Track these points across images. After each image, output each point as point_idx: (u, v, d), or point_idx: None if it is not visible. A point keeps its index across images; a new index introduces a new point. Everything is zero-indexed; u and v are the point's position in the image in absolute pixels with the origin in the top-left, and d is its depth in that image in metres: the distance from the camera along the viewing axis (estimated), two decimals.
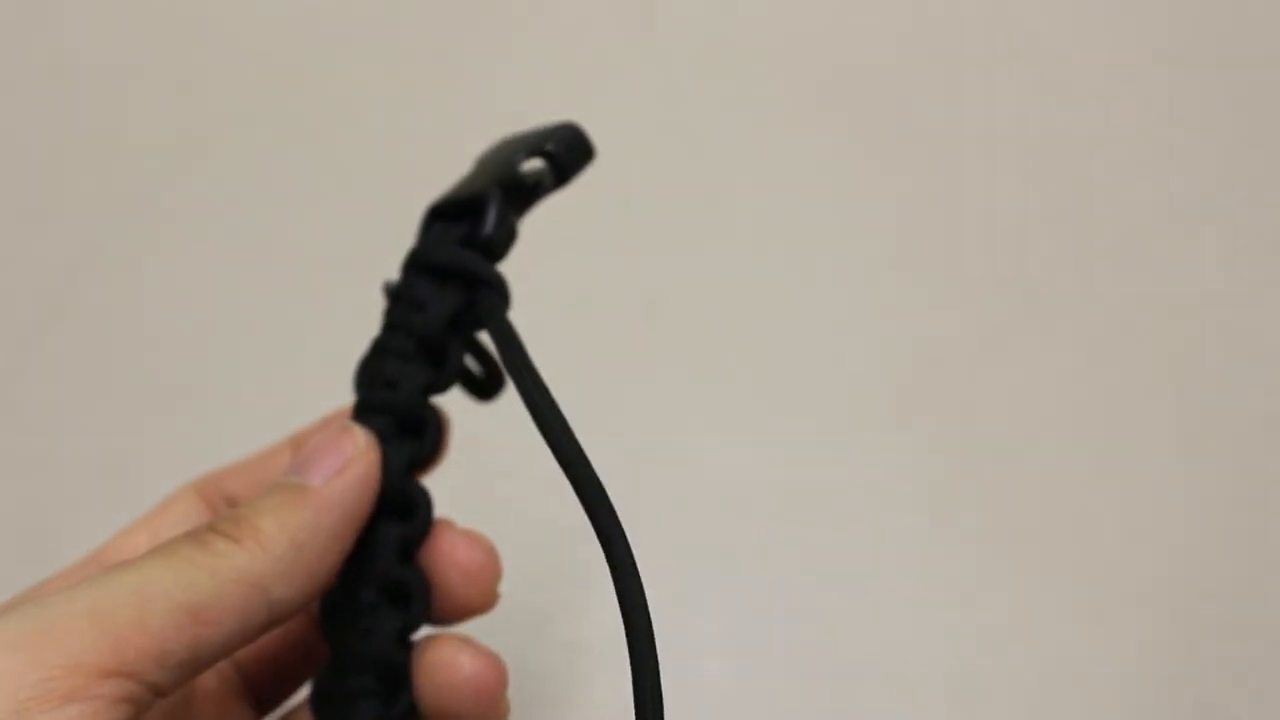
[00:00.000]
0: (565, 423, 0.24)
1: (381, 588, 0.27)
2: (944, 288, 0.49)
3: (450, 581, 0.27)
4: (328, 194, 0.52)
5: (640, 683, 0.22)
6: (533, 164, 0.29)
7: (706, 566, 0.43)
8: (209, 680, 0.28)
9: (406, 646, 0.27)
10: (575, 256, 0.49)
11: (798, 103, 0.53)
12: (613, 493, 0.23)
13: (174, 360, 0.48)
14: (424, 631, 0.27)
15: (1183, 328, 0.47)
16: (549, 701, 0.41)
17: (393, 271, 0.28)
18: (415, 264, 0.28)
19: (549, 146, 0.29)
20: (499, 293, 0.28)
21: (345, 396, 0.28)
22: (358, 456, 0.25)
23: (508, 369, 0.25)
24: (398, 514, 0.27)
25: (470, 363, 0.30)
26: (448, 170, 0.31)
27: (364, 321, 0.30)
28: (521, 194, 0.29)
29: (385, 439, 0.27)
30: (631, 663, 0.22)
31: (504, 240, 0.28)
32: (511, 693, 0.27)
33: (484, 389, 0.30)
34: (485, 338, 0.29)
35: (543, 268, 0.48)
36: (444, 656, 0.26)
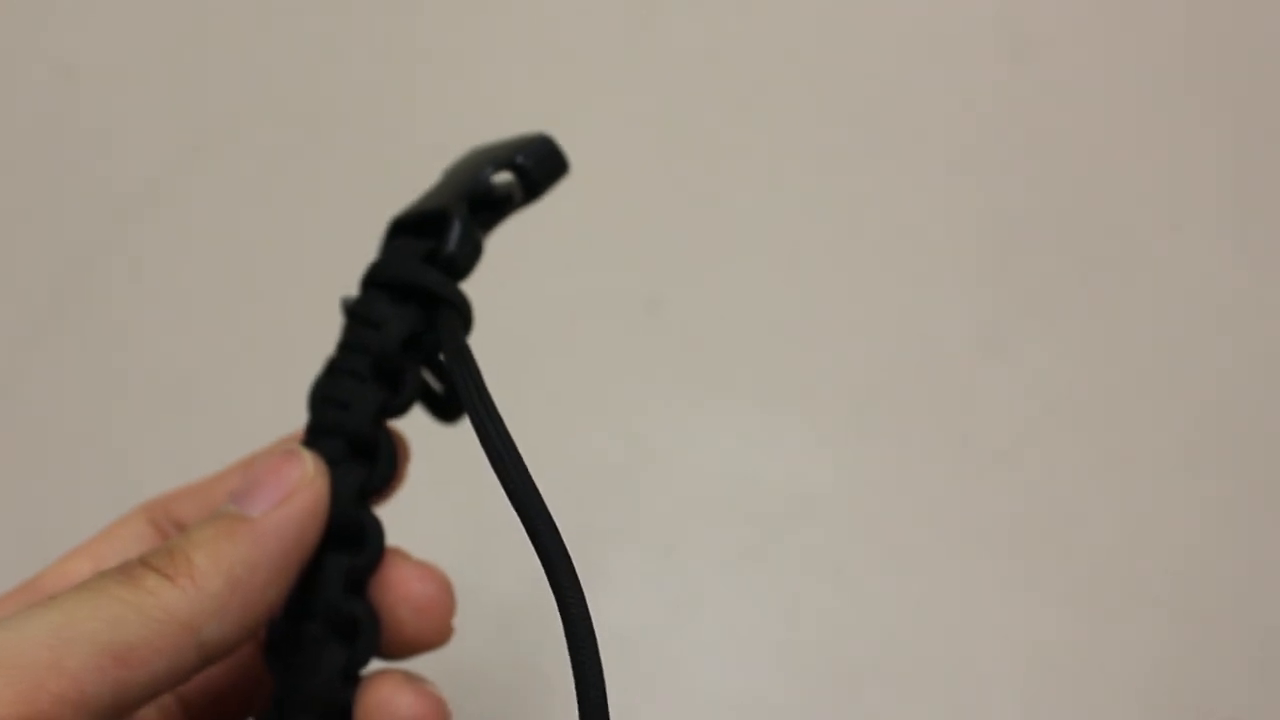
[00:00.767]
0: (516, 452, 0.23)
1: (327, 621, 0.25)
2: (944, 288, 0.48)
3: (400, 616, 0.26)
4: (330, 195, 0.51)
5: None
6: (502, 177, 0.28)
7: (706, 566, 0.43)
8: (149, 714, 0.27)
9: (352, 683, 0.26)
10: (575, 257, 0.49)
11: (798, 103, 0.53)
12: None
13: (174, 361, 0.48)
14: (374, 665, 0.26)
15: (1182, 328, 0.47)
16: None
17: None
18: (374, 280, 0.27)
19: (519, 159, 0.28)
20: (460, 313, 0.26)
21: None
22: (303, 485, 0.24)
23: (460, 394, 0.24)
24: (347, 544, 0.25)
25: (434, 382, 0.28)
26: None
27: None
28: (489, 208, 0.28)
29: (336, 463, 0.25)
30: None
31: (468, 257, 0.27)
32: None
33: (447, 410, 0.29)
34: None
35: (543, 268, 0.47)
36: (384, 695, 0.25)
